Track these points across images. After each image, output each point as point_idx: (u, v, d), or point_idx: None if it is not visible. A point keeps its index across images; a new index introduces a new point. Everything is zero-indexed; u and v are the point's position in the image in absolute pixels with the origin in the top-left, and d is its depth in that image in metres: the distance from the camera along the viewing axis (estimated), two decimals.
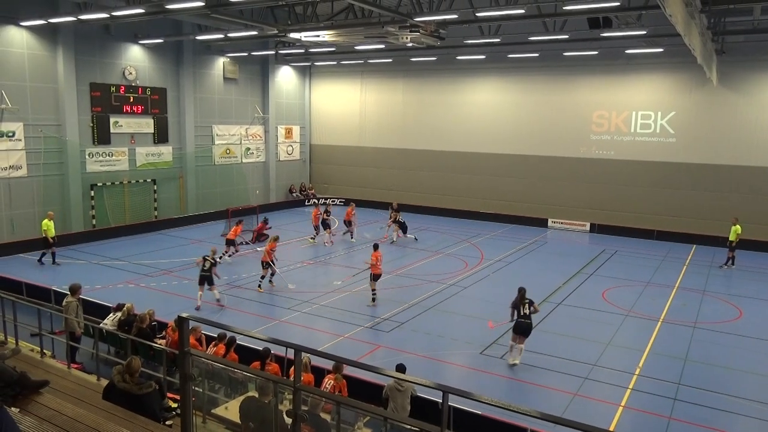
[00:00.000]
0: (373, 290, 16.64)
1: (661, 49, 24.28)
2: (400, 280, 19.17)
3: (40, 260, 20.19)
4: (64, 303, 12.14)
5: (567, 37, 22.13)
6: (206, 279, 16.02)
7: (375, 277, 16.56)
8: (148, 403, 6.46)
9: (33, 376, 6.17)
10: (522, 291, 12.88)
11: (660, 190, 27.14)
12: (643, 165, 27.43)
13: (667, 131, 26.87)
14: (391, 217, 25.48)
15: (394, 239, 24.91)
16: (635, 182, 27.65)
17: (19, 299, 11.36)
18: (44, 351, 9.24)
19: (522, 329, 12.56)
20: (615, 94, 27.82)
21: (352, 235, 25.48)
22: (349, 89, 35.43)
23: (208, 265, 16.05)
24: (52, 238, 20.08)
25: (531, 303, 12.73)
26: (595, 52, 25.86)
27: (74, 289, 12.07)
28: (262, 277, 17.94)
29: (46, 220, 20.16)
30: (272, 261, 17.73)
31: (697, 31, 15.70)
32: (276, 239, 18.53)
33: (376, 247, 17.30)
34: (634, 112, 27.48)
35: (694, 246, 25.35)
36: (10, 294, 11.92)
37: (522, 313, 12.59)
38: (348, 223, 25.58)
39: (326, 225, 24.90)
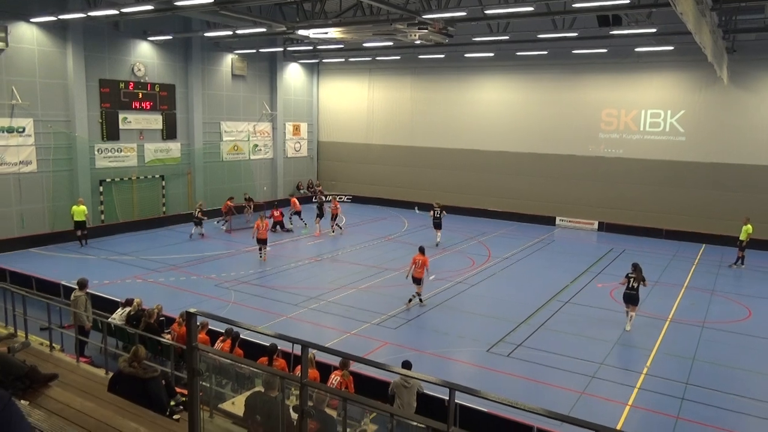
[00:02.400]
0: (418, 294, 16.26)
1: (671, 47, 24.11)
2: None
3: (81, 243, 22.21)
4: (72, 297, 12.24)
5: (576, 34, 22.01)
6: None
7: (414, 281, 16.19)
8: (153, 387, 6.70)
9: (42, 369, 6.22)
10: (633, 265, 14.88)
11: (669, 189, 26.98)
12: (652, 164, 27.27)
13: (676, 130, 26.69)
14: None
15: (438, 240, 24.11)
16: (644, 181, 27.49)
17: (29, 293, 11.44)
18: (53, 345, 9.30)
19: (628, 299, 14.76)
20: (624, 93, 27.66)
21: (336, 228, 26.05)
22: (357, 86, 35.42)
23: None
24: (80, 221, 21.90)
25: (641, 279, 14.59)
26: (605, 50, 25.72)
27: (82, 284, 12.19)
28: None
29: (75, 206, 22.06)
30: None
31: (708, 29, 15.57)
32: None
33: (422, 250, 16.61)
34: (644, 111, 27.32)
35: (704, 245, 25.18)
36: (20, 288, 12.02)
37: (630, 286, 14.63)
38: (334, 216, 25.93)
39: (321, 215, 25.95)
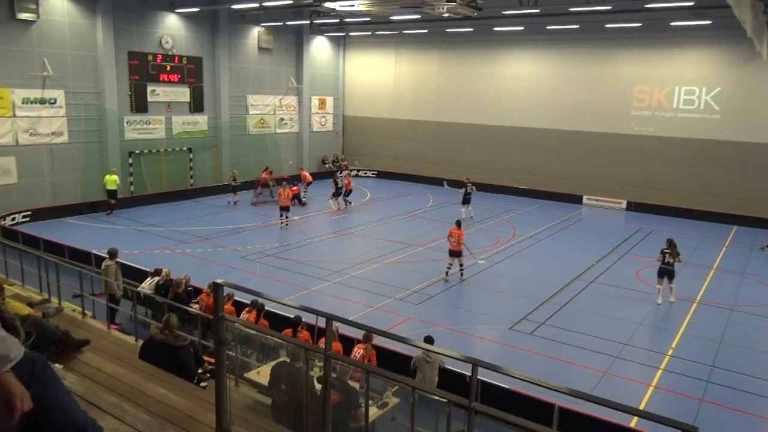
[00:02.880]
0: (449, 264, 16.51)
1: (708, 22, 23.26)
2: (431, 253, 19.17)
3: (109, 212, 23.02)
4: (103, 266, 12.54)
5: (609, 8, 21.38)
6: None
7: (451, 253, 16.35)
8: (182, 355, 6.94)
9: (75, 335, 6.42)
10: (668, 241, 15.23)
11: (702, 169, 26.31)
12: (684, 142, 26.59)
13: (711, 107, 25.92)
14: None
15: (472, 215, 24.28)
16: (676, 160, 26.85)
17: (62, 261, 11.78)
18: (85, 311, 9.57)
19: (663, 273, 15.09)
20: (658, 69, 26.88)
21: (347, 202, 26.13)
22: (383, 60, 35.08)
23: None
24: (109, 191, 22.70)
25: (676, 255, 14.93)
26: (639, 24, 24.96)
27: (112, 253, 12.48)
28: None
29: (108, 175, 22.79)
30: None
31: (749, 2, 14.97)
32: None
33: (458, 224, 16.74)
34: (678, 88, 26.55)
35: (735, 227, 24.61)
36: (54, 256, 12.36)
37: (666, 261, 14.93)
38: (347, 192, 26.00)
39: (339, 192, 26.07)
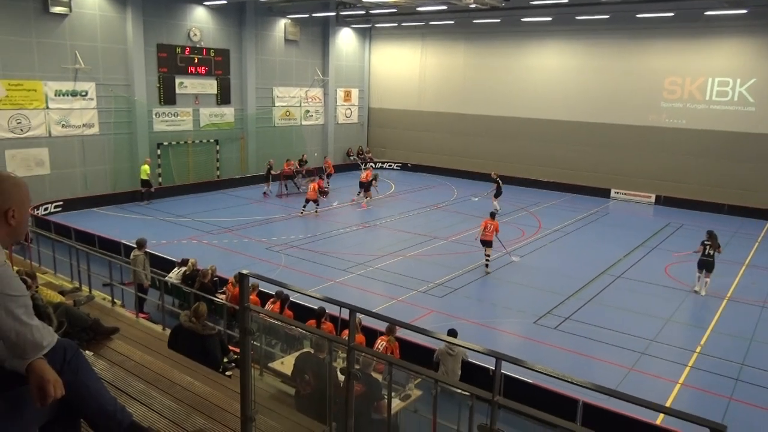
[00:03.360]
0: (487, 256, 16.77)
1: (744, 11, 22.62)
2: (455, 246, 19.11)
3: (146, 202, 23.75)
4: (131, 256, 12.79)
5: None
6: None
7: (483, 243, 16.64)
8: (209, 344, 7.11)
9: (104, 322, 6.56)
10: (709, 233, 15.48)
11: (734, 163, 25.66)
12: (717, 135, 25.95)
13: (746, 99, 25.23)
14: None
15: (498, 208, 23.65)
16: (707, 153, 26.23)
17: (93, 251, 12.05)
18: (114, 300, 9.78)
19: (703, 265, 15.26)
20: (690, 59, 26.24)
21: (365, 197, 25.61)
22: (409, 52, 34.92)
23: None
24: (143, 180, 23.46)
25: (716, 246, 15.19)
26: (671, 14, 24.38)
27: (141, 244, 12.71)
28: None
29: (144, 165, 23.49)
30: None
31: None
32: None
33: (492, 215, 17.32)
34: (710, 79, 25.89)
35: None
36: (84, 245, 12.65)
37: (706, 252, 15.13)
38: (366, 186, 25.40)
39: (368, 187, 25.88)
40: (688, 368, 11.36)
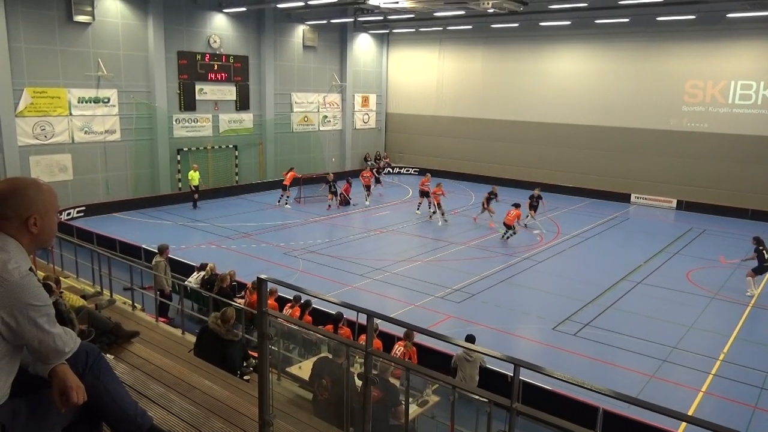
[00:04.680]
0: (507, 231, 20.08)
1: (767, 13, 22.26)
2: (473, 252, 19.03)
3: (194, 206, 24.38)
4: (153, 262, 12.92)
5: (662, 0, 20.71)
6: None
7: (505, 225, 20.16)
8: (231, 348, 7.20)
9: (125, 326, 6.65)
10: (756, 239, 16.04)
11: (758, 166, 25.19)
12: (740, 139, 25.53)
13: None
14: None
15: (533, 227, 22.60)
16: (730, 157, 25.81)
17: (114, 255, 12.21)
18: (135, 304, 9.90)
19: (764, 271, 15.77)
20: (712, 62, 25.88)
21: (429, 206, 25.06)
22: (426, 57, 34.94)
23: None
24: (195, 186, 24.17)
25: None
26: (693, 17, 24.10)
27: (162, 249, 12.79)
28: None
29: (191, 171, 24.31)
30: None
31: None
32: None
33: (516, 206, 20.33)
34: (733, 82, 25.50)
35: None
36: (106, 250, 12.84)
37: (767, 258, 15.55)
38: (425, 194, 24.45)
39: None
40: (711, 376, 11.16)
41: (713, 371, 11.35)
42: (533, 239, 20.82)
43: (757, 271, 15.75)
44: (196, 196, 24.48)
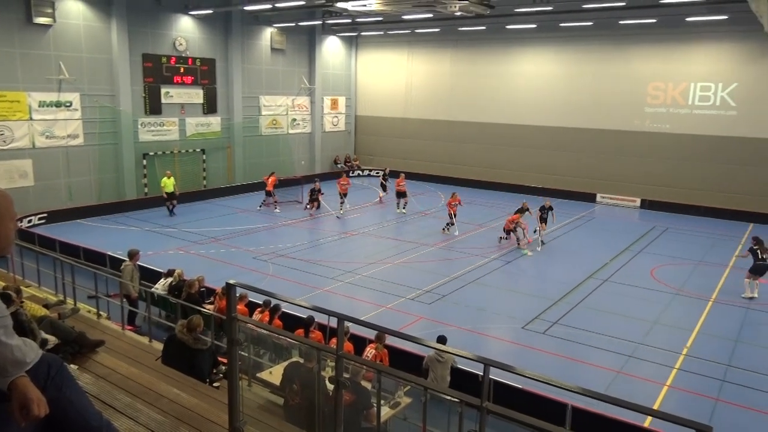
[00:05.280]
0: (502, 238, 20.32)
1: (724, 17, 23.01)
2: (443, 253, 19.15)
3: (169, 213, 23.44)
4: (122, 267, 12.66)
5: (624, 3, 21.21)
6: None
7: (505, 231, 20.31)
8: (199, 358, 7.01)
9: (90, 335, 6.50)
10: (757, 239, 15.87)
11: (717, 166, 26.00)
12: (700, 139, 26.30)
13: (727, 104, 25.60)
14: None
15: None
16: (691, 157, 26.57)
17: (77, 263, 11.91)
18: (100, 313, 9.68)
19: (759, 270, 15.39)
20: (673, 65, 26.60)
21: (404, 205, 25.33)
22: (395, 60, 35.07)
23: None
24: (167, 193, 23.30)
25: (765, 250, 15.45)
26: (654, 21, 24.74)
27: (131, 254, 12.55)
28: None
29: (164, 178, 23.31)
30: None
31: None
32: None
33: (519, 211, 20.58)
34: (693, 84, 26.26)
35: (751, 224, 24.29)
36: (69, 258, 12.51)
37: (761, 257, 15.35)
38: (401, 194, 25.13)
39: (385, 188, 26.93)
40: (675, 370, 11.45)
41: (677, 365, 11.65)
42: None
43: (754, 272, 15.43)
44: (173, 203, 23.57)
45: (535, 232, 20.79)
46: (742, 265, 18.64)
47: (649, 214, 26.40)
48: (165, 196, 23.50)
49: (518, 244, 20.09)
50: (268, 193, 25.15)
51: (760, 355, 12.21)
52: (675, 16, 24.45)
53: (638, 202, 27.80)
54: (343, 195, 24.82)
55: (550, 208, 21.03)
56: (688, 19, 24.26)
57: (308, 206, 25.08)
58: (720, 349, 12.45)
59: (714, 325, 13.78)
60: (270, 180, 25.13)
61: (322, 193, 25.40)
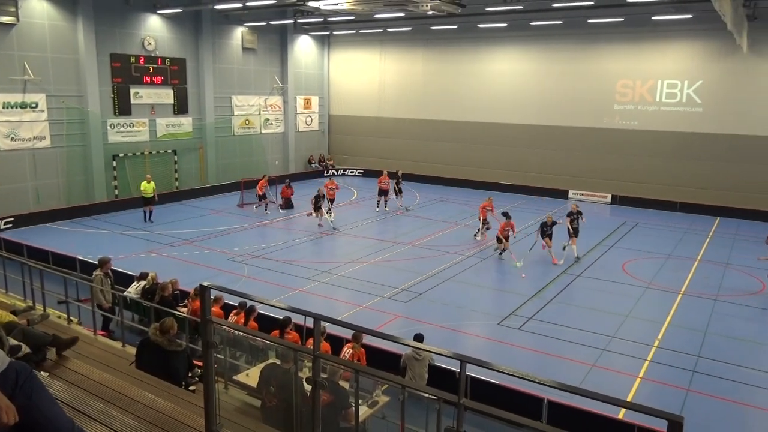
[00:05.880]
0: (498, 250, 18.58)
1: (689, 15, 23.56)
2: (418, 251, 19.21)
3: (145, 220, 22.46)
4: (92, 276, 12.29)
5: (592, 2, 21.55)
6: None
7: (497, 239, 18.52)
8: (174, 360, 6.93)
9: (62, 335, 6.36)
10: None
11: (684, 161, 26.61)
12: (667, 135, 26.87)
13: (693, 101, 26.21)
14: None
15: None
16: (659, 153, 27.13)
17: (46, 268, 11.64)
18: (71, 318, 9.48)
19: None
20: (640, 63, 27.12)
21: (386, 203, 25.36)
22: (368, 59, 35.05)
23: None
24: (146, 198, 22.34)
25: None
26: (621, 19, 25.19)
27: (101, 263, 12.05)
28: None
29: (144, 183, 22.42)
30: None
31: None
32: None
33: (505, 215, 18.60)
34: (660, 81, 26.81)
35: (718, 218, 24.93)
36: (38, 262, 12.23)
37: None
38: (383, 192, 25.20)
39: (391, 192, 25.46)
40: (647, 362, 11.68)
41: (649, 357, 11.88)
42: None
43: None
44: (151, 208, 22.61)
45: (564, 248, 18.40)
46: (711, 257, 19.14)
47: (620, 210, 26.88)
48: (146, 199, 22.68)
49: (500, 254, 18.46)
50: (259, 197, 24.83)
51: (728, 346, 12.53)
52: (641, 15, 24.94)
53: (609, 198, 28.29)
54: (331, 201, 22.70)
55: (579, 213, 18.72)
56: (654, 18, 24.76)
57: (315, 215, 22.07)
58: (690, 340, 12.74)
59: (684, 317, 14.10)
60: (260, 183, 24.93)
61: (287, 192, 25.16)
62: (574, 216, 18.60)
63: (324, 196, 22.19)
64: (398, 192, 25.68)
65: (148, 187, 22.50)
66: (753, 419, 10.05)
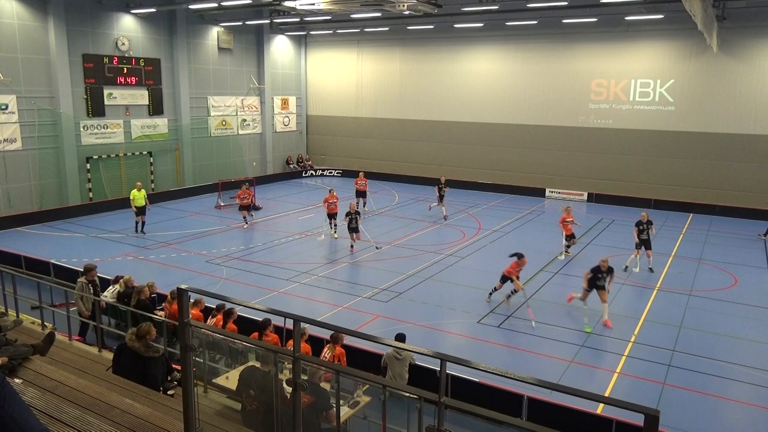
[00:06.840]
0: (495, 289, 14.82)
1: (661, 16, 23.98)
2: (398, 251, 19.24)
3: (137, 231, 21.00)
4: (77, 282, 11.93)
5: (566, 3, 21.81)
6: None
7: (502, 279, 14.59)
8: (151, 365, 6.81)
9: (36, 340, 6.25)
10: None
11: (658, 159, 27.08)
12: (641, 134, 27.32)
13: (666, 99, 26.68)
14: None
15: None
16: (633, 151, 27.57)
17: (19, 272, 11.40)
18: (45, 324, 9.30)
19: None
20: (614, 62, 27.53)
21: (365, 204, 25.17)
22: (345, 59, 34.99)
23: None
24: (137, 207, 20.78)
25: None
26: (595, 19, 25.53)
27: (86, 269, 11.72)
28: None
29: (134, 191, 20.97)
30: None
31: None
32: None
33: (518, 255, 14.58)
34: (633, 80, 27.24)
35: (691, 215, 25.43)
36: (9, 267, 11.95)
37: None
38: (361, 193, 24.91)
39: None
40: (624, 357, 11.85)
41: (626, 353, 12.07)
42: (457, 235, 21.30)
43: None
44: (143, 218, 20.95)
45: (627, 270, 17.14)
46: (684, 253, 19.48)
47: (596, 207, 27.24)
48: (134, 210, 20.92)
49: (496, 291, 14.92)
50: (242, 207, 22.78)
51: (703, 340, 12.78)
52: (614, 15, 25.32)
53: (585, 196, 28.65)
54: (333, 215, 20.92)
55: (650, 223, 17.13)
56: (627, 18, 25.15)
57: (353, 238, 19.31)
58: (665, 335, 12.97)
59: (659, 312, 14.34)
60: (239, 194, 22.93)
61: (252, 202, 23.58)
62: (644, 226, 17.02)
63: (359, 213, 19.65)
64: (440, 199, 23.96)
65: (138, 196, 20.77)
66: (727, 411, 10.26)
